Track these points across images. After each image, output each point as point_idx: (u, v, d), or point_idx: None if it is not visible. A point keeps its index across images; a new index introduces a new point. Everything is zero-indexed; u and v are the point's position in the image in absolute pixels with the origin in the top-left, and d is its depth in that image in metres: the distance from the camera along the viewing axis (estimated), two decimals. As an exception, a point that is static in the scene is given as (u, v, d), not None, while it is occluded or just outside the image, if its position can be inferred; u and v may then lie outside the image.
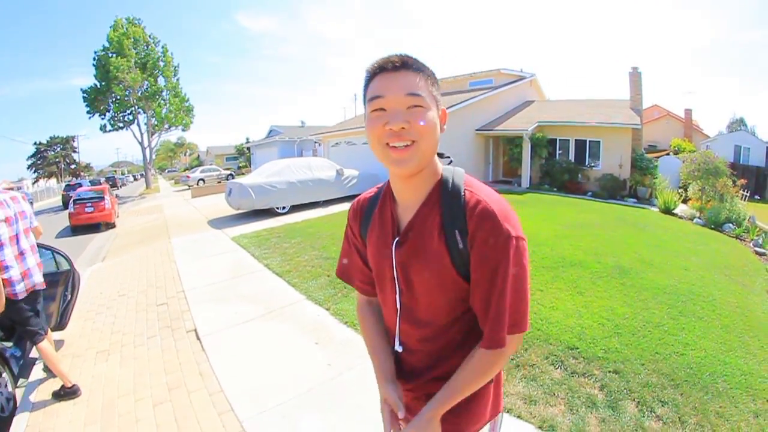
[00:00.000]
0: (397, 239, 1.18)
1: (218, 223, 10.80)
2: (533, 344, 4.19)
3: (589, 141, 17.28)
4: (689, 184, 14.12)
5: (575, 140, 17.71)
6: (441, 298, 1.14)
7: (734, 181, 12.88)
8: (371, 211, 1.28)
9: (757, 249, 8.79)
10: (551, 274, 5.94)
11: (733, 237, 9.98)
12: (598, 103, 19.89)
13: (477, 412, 1.24)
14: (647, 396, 3.48)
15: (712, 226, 10.74)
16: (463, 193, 1.09)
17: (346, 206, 11.93)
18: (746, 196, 14.52)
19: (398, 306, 1.22)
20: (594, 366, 3.83)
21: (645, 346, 4.21)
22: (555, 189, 16.70)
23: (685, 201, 13.66)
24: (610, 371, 3.74)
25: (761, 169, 21.82)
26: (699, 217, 11.52)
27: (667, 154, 20.80)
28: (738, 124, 42.12)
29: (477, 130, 18.39)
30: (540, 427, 3.07)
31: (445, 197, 1.11)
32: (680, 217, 11.90)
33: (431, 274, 1.11)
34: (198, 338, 4.46)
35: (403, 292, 1.20)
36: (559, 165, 17.47)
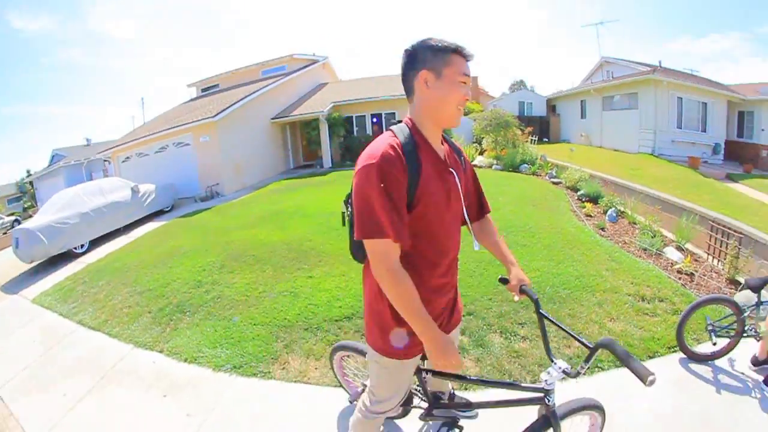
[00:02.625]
0: (451, 169, 1.79)
1: (12, 286, 8.93)
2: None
3: (385, 113, 19.32)
4: (483, 138, 16.93)
5: (371, 115, 19.65)
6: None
7: (522, 130, 16.09)
8: (414, 156, 1.61)
9: (553, 180, 11.21)
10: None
11: (530, 175, 12.40)
12: (390, 78, 21.60)
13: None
14: (506, 324, 4.17)
15: (510, 169, 13.05)
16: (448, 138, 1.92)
17: (151, 227, 11.25)
18: (534, 140, 18.32)
19: (466, 217, 1.92)
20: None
21: (484, 283, 4.99)
22: None
23: (481, 153, 16.10)
24: (465, 315, 4.24)
25: (543, 117, 27.40)
26: (497, 164, 13.72)
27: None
28: (519, 85, 49.95)
29: (272, 118, 18.71)
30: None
31: (445, 141, 1.88)
32: (480, 167, 13.93)
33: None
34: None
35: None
36: (358, 140, 19.16)
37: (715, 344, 3.51)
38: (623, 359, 1.50)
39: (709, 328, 3.57)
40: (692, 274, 5.62)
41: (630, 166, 14.79)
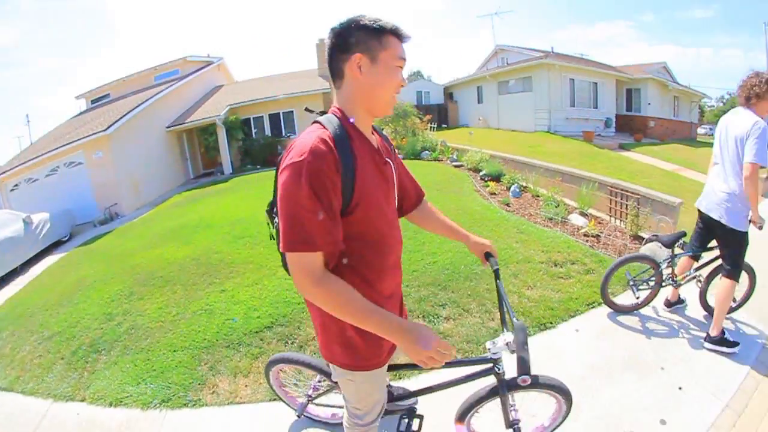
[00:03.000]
0: (387, 159, 1.66)
1: None
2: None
3: (283, 113, 18.99)
4: (382, 128, 16.41)
5: (269, 115, 19.21)
6: None
7: (421, 119, 16.22)
8: (347, 149, 1.39)
9: (455, 163, 11.43)
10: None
11: (432, 161, 12.60)
12: (288, 76, 21.54)
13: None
14: (427, 308, 4.16)
15: (412, 157, 13.24)
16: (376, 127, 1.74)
17: (50, 261, 10.23)
18: (434, 127, 18.66)
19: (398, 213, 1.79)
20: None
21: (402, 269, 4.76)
22: (258, 167, 17.73)
23: None
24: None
25: (442, 105, 28.50)
26: (399, 153, 13.34)
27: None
28: (416, 76, 51.13)
29: (168, 127, 17.70)
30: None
31: (375, 130, 1.70)
32: None
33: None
34: None
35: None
36: (258, 143, 18.73)
37: (638, 298, 3.93)
38: (519, 348, 1.55)
39: (631, 283, 3.96)
40: (598, 235, 5.90)
41: (528, 144, 15.49)
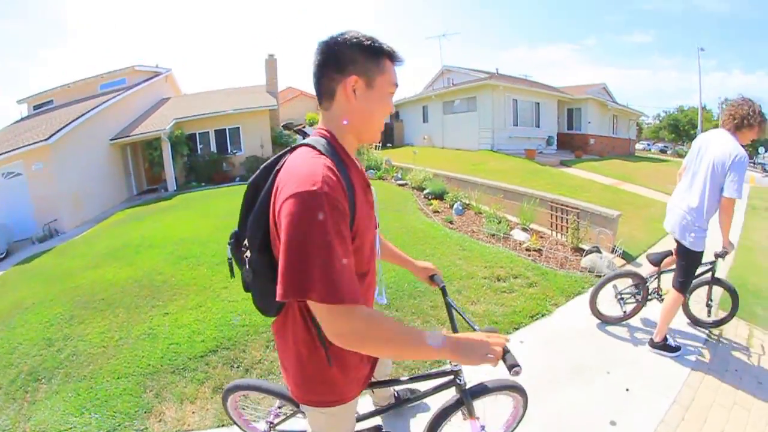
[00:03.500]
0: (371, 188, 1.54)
1: None
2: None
3: (229, 129, 18.73)
4: None
5: (215, 131, 18.85)
6: None
7: None
8: (347, 178, 1.27)
9: (399, 182, 11.60)
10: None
11: (377, 179, 12.68)
12: (236, 91, 21.19)
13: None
14: None
15: None
16: None
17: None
18: (378, 146, 18.82)
19: (378, 248, 1.61)
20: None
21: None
22: (203, 184, 17.30)
23: None
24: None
25: (387, 124, 27.82)
26: None
27: (304, 127, 24.21)
28: None
29: (112, 139, 16.86)
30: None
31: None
32: None
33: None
34: None
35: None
36: (203, 159, 18.28)
37: (625, 312, 4.11)
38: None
39: (618, 297, 4.13)
40: (540, 249, 6.02)
41: (472, 162, 15.75)
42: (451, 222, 7.43)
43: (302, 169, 1.16)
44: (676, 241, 3.46)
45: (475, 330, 1.54)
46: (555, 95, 23.79)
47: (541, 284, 4.87)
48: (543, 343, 3.79)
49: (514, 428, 2.38)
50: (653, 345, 3.63)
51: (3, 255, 11.64)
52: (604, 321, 4.13)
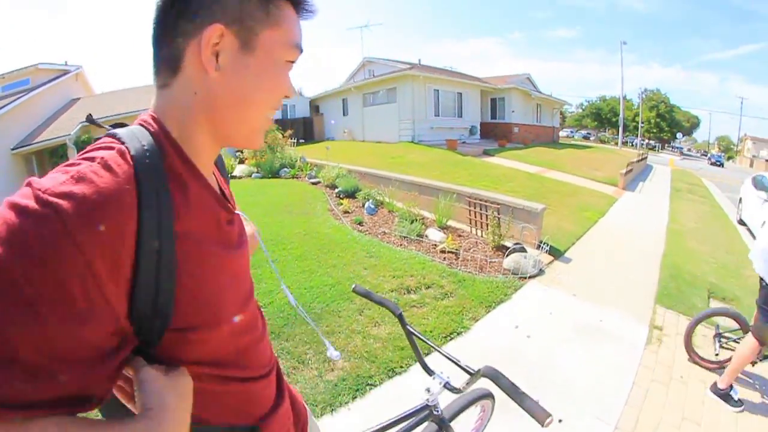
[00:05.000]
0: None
1: None
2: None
3: None
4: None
5: None
6: None
7: (282, 134, 15.27)
8: (164, 197, 0.63)
9: (312, 180, 10.93)
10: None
11: (291, 178, 12.02)
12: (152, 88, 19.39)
13: None
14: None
15: (270, 176, 12.58)
16: None
17: None
18: (294, 143, 17.68)
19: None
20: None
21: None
22: None
23: (242, 162, 15.18)
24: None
25: (306, 118, 28.18)
26: (257, 172, 13.04)
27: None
28: None
29: (13, 149, 14.91)
30: None
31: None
32: (239, 177, 13.16)
33: None
34: None
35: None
36: None
37: (717, 354, 3.58)
38: (513, 396, 1.28)
39: (716, 336, 3.69)
40: (456, 252, 5.51)
41: (391, 155, 15.35)
42: (360, 223, 6.88)
43: (66, 175, 0.62)
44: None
45: (468, 371, 1.42)
46: (478, 85, 24.10)
47: (458, 294, 4.35)
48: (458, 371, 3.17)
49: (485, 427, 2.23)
50: (715, 391, 3.14)
51: None
52: (697, 363, 3.54)
